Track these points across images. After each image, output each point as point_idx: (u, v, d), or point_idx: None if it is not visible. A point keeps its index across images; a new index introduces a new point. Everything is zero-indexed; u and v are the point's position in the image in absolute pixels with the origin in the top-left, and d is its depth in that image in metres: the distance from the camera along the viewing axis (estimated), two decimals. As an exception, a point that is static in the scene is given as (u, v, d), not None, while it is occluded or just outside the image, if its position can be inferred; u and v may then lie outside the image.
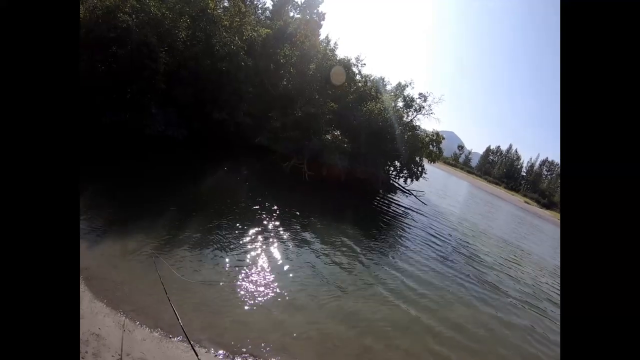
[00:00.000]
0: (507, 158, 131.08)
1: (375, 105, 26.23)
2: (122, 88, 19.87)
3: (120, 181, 13.82)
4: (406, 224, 21.01)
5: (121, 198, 12.32)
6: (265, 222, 13.80)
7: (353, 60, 29.24)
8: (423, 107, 29.48)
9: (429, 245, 17.49)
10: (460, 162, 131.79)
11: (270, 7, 46.83)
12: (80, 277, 7.52)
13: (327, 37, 39.32)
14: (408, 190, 29.32)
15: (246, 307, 8.37)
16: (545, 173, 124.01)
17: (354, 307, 9.84)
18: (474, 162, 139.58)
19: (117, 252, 9.01)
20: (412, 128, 29.19)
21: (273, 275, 10.14)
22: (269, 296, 9.08)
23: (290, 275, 10.52)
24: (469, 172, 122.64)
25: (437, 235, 19.93)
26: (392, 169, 28.94)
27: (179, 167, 18.04)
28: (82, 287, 7.29)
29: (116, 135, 18.42)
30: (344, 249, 13.71)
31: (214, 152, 21.66)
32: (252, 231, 12.63)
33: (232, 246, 11.23)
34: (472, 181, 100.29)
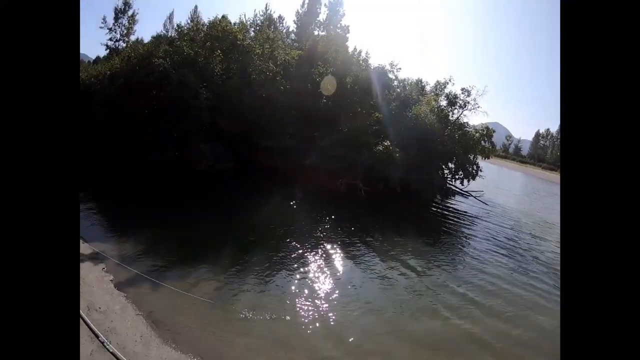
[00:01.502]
0: (559, 140, 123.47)
1: (420, 109, 25.21)
2: (169, 127, 20.20)
3: (176, 219, 13.91)
4: (470, 230, 19.74)
5: (179, 237, 12.39)
6: (325, 247, 13.37)
7: (388, 67, 28.52)
8: (468, 103, 28.12)
9: (499, 254, 16.00)
10: (510, 152, 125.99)
11: (294, 29, 47.39)
12: (146, 321, 7.66)
13: (355, 48, 39.01)
14: (466, 191, 27.77)
15: (318, 339, 8.14)
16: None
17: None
18: (525, 150, 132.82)
19: (181, 293, 8.98)
20: (461, 126, 27.88)
21: (340, 302, 9.83)
22: (337, 325, 8.79)
23: (358, 300, 10.04)
24: (521, 161, 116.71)
25: (506, 241, 18.41)
26: (446, 171, 27.58)
27: (233, 199, 17.93)
28: (149, 331, 7.33)
29: (167, 173, 18.67)
30: (405, 267, 12.81)
31: (264, 179, 21.49)
32: (313, 258, 12.34)
33: (295, 275, 10.97)
34: (526, 170, 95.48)
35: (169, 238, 12.18)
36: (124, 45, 44.70)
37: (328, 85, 24.55)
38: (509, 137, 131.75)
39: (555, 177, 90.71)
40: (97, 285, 8.64)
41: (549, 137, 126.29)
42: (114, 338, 6.75)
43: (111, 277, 9.19)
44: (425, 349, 8.38)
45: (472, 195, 27.87)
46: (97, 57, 47.55)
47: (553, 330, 9.79)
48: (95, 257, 10.27)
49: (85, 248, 10.91)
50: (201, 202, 16.86)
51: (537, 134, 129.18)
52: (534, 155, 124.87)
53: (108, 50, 46.46)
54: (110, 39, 47.57)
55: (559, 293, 12.88)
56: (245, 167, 21.04)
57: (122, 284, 9.00)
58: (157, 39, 31.02)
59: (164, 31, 44.73)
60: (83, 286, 8.33)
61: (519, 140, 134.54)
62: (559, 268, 15.43)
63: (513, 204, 32.87)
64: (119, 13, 48.14)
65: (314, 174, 21.23)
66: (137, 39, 41.79)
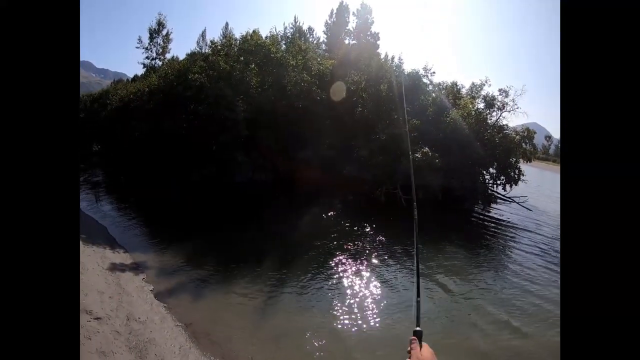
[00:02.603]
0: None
1: (457, 113, 24.56)
2: (207, 142, 20.54)
3: (216, 232, 14.17)
4: (516, 240, 18.70)
5: (219, 250, 12.55)
6: (363, 260, 12.92)
7: (422, 72, 28.01)
8: (506, 104, 27.14)
9: (547, 268, 14.31)
10: (550, 154, 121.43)
11: (325, 39, 47.67)
12: (185, 332, 7.60)
13: (386, 54, 38.76)
14: (509, 197, 26.65)
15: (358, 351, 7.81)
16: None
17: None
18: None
19: (221, 305, 9.02)
20: (500, 129, 26.92)
21: (381, 312, 9.43)
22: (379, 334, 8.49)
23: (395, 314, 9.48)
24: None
25: (554, 253, 17.19)
26: (487, 177, 26.64)
27: (272, 212, 17.91)
28: (188, 343, 7.24)
29: (207, 188, 18.92)
30: (445, 283, 11.83)
31: (302, 191, 21.35)
32: (353, 269, 11.98)
33: (335, 289, 10.60)
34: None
35: (208, 251, 12.30)
36: (160, 63, 46.35)
37: (337, 91, 24.35)
38: (548, 137, 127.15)
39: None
40: (137, 295, 8.69)
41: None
42: (153, 349, 6.68)
43: (151, 287, 9.29)
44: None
45: (515, 202, 26.79)
46: (135, 75, 49.42)
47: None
48: (135, 267, 10.50)
49: (125, 258, 11.22)
50: (240, 215, 16.99)
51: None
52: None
53: (145, 68, 48.25)
54: (147, 57, 49.50)
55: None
56: (283, 179, 21.08)
57: (162, 295, 9.06)
58: (192, 56, 31.94)
59: (197, 48, 46.11)
60: (123, 295, 8.42)
61: (559, 141, 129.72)
62: None
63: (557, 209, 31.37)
64: (153, 33, 50.03)
65: (353, 184, 20.97)
66: (173, 57, 43.13)
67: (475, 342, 8.63)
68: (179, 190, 19.16)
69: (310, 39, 47.54)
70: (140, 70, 49.56)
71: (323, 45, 46.92)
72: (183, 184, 19.61)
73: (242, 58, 23.64)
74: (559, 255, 16.82)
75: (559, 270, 14.61)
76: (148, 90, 26.73)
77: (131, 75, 53.84)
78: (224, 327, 8.06)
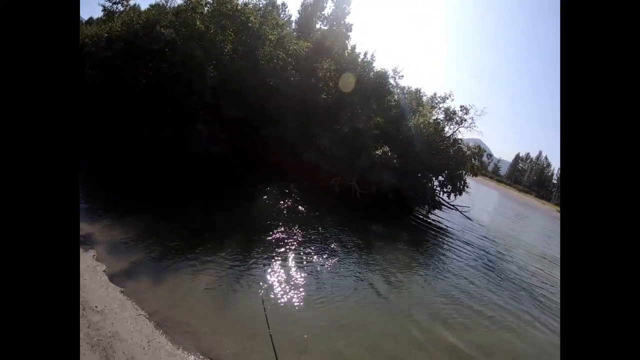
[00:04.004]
0: (537, 165, 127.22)
1: (419, 119, 25.34)
2: (166, 103, 19.49)
3: (167, 204, 13.45)
4: (456, 243, 19.91)
5: (171, 224, 11.78)
6: (308, 246, 13.19)
7: (390, 72, 28.49)
8: (465, 120, 28.42)
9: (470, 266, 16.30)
10: (489, 170, 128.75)
11: (297, 19, 46.60)
12: (150, 322, 6.90)
13: (355, 47, 38.54)
14: (453, 206, 28.10)
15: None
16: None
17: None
18: (503, 171, 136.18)
19: (184, 289, 8.42)
20: (455, 142, 28.20)
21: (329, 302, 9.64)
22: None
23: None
24: (498, 181, 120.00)
25: (487, 258, 18.67)
26: (436, 184, 27.83)
27: (228, 189, 17.54)
28: (156, 335, 6.59)
29: (157, 151, 18.00)
30: (387, 272, 12.84)
31: (259, 169, 21.04)
32: (298, 256, 12.05)
33: (275, 272, 10.56)
34: (503, 190, 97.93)
35: (162, 226, 11.41)
36: (122, 8, 43.04)
37: (347, 83, 24.25)
38: (489, 155, 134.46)
39: (529, 199, 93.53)
40: (89, 277, 7.64)
41: (528, 161, 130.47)
42: (118, 345, 5.95)
43: (104, 268, 8.24)
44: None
45: (458, 210, 28.24)
46: (91, 18, 45.66)
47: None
48: (82, 242, 9.12)
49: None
50: (193, 187, 16.39)
51: (517, 157, 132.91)
52: (511, 177, 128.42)
53: (105, 11, 44.69)
54: (108, 0, 45.83)
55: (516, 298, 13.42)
56: (240, 154, 20.55)
57: (117, 277, 8.07)
58: (157, 8, 30.01)
59: (163, 1, 43.22)
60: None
61: (498, 160, 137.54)
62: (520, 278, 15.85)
63: (491, 221, 33.53)
64: (117, -26, 46.34)
65: (310, 170, 20.97)
66: (135, 4, 40.15)
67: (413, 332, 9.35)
68: (129, 153, 17.94)
69: (282, 15, 46.30)
70: (98, 14, 45.80)
71: (293, 24, 45.86)
72: (134, 144, 18.37)
73: (215, 20, 22.42)
74: (485, 255, 18.28)
75: (480, 264, 16.42)
76: (107, 36, 24.71)
77: (86, 18, 49.73)
78: (191, 314, 7.49)
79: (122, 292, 7.57)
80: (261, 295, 8.73)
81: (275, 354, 5.81)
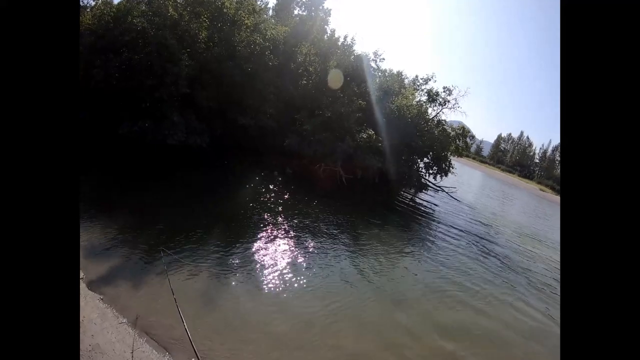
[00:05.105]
0: (519, 145, 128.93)
1: (402, 101, 25.13)
2: (140, 96, 18.79)
3: (146, 201, 12.80)
4: (442, 225, 19.91)
5: (152, 222, 11.19)
6: (301, 231, 13.13)
7: (371, 56, 28.25)
8: (448, 101, 28.42)
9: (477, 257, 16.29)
10: (472, 151, 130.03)
11: (274, 5, 45.74)
12: (133, 330, 6.45)
13: (334, 31, 37.92)
14: (440, 187, 28.14)
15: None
16: (559, 159, 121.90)
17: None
18: (485, 152, 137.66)
19: (165, 291, 7.81)
20: (439, 123, 28.22)
21: (300, 283, 9.62)
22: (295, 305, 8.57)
23: (321, 288, 9.72)
24: (481, 161, 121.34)
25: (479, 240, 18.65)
26: (422, 165, 27.81)
27: (205, 180, 16.96)
28: (141, 345, 6.16)
29: (135, 146, 17.34)
30: (376, 254, 12.87)
31: (239, 159, 20.51)
32: (283, 241, 12.00)
33: (275, 266, 10.30)
34: (486, 170, 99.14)
35: (141, 225, 10.78)
36: (93, 3, 41.61)
37: (334, 79, 23.77)
38: (472, 136, 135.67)
39: (513, 178, 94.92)
40: None
41: (510, 141, 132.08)
42: (100, 359, 5.57)
43: (82, 275, 7.68)
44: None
45: (444, 191, 28.27)
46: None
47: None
48: None
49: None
50: (172, 181, 15.77)
51: (499, 137, 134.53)
52: (493, 157, 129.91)
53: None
54: (80, -6, 44.23)
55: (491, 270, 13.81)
56: (219, 145, 19.95)
57: (95, 283, 7.60)
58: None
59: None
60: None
61: (480, 141, 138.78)
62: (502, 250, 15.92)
63: (476, 200, 33.75)
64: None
65: (291, 158, 20.55)
66: (107, -3, 38.78)
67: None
68: (103, 149, 17.23)
69: (259, 2, 45.38)
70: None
71: (271, 11, 45.07)
72: (110, 140, 17.66)
73: (189, 9, 21.72)
74: (472, 237, 18.31)
75: (464, 244, 16.31)
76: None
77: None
78: (175, 317, 6.90)
79: (101, 299, 7.10)
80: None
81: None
